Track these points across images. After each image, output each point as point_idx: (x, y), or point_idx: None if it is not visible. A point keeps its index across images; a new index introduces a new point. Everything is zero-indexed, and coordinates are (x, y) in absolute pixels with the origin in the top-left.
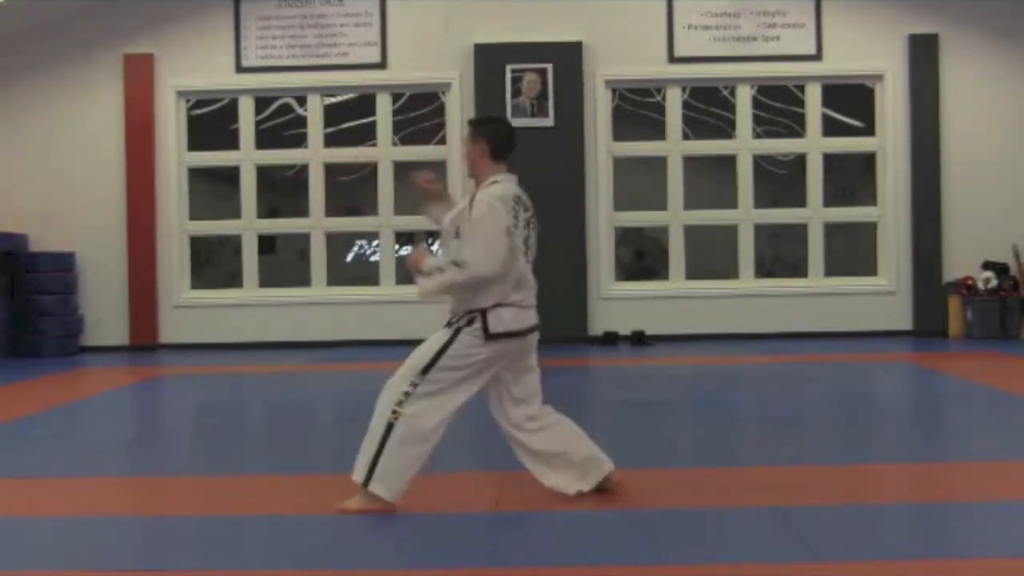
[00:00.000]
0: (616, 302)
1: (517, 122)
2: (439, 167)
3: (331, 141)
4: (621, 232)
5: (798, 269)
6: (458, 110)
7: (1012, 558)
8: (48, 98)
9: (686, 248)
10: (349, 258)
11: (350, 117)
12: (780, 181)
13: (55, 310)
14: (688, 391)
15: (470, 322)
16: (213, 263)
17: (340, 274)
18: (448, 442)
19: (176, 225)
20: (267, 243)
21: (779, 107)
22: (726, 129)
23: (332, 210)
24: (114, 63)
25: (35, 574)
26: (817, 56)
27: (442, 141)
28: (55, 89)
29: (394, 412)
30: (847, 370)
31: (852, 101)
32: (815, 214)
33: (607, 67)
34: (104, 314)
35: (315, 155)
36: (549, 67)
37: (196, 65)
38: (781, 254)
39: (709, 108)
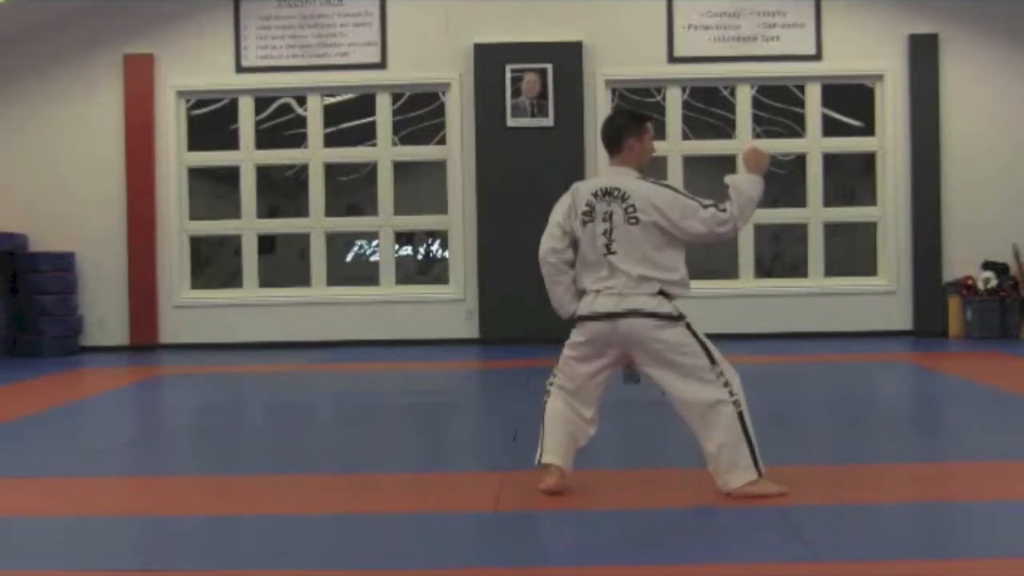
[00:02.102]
0: None
1: (517, 122)
2: (439, 167)
3: (331, 141)
4: None
5: (798, 269)
6: (458, 110)
7: (1012, 558)
8: (48, 98)
9: (686, 248)
10: (349, 258)
11: (350, 117)
12: (780, 181)
13: (55, 310)
14: None
15: None
16: (213, 263)
17: (340, 274)
18: (448, 442)
19: (176, 225)
20: (267, 243)
21: (779, 107)
22: (726, 129)
23: (332, 210)
24: (114, 63)
25: (35, 574)
26: (817, 56)
27: (442, 141)
28: (55, 89)
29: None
30: (847, 370)
31: (852, 101)
32: (815, 214)
33: (607, 67)
34: (104, 314)
35: (315, 155)
36: (549, 67)
37: (196, 65)
38: (781, 254)
39: (709, 108)
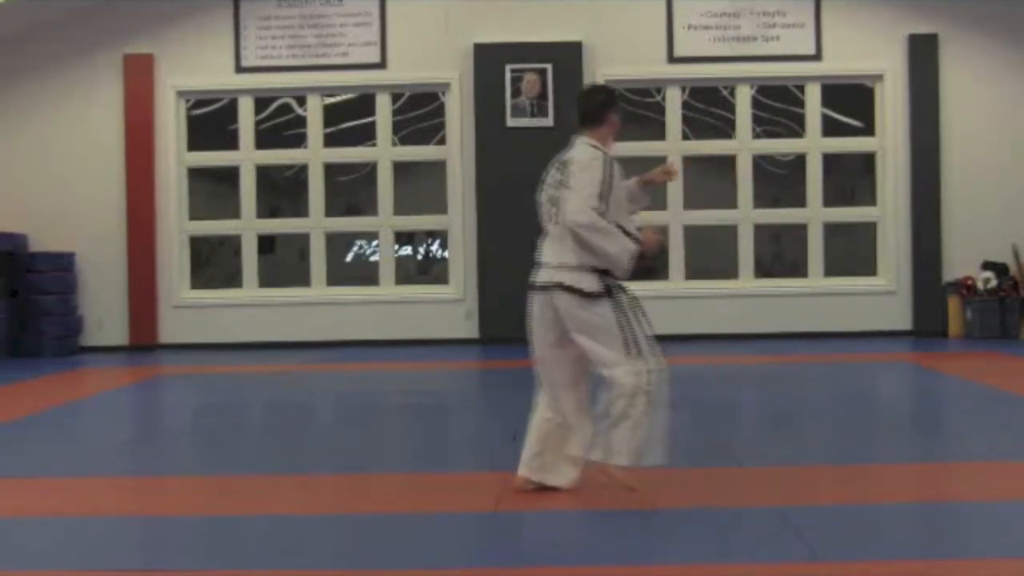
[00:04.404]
0: None
1: (517, 122)
2: (439, 167)
3: (331, 141)
4: None
5: (798, 269)
6: (458, 110)
7: (1012, 558)
8: (48, 98)
9: (686, 248)
10: (349, 258)
11: (350, 117)
12: (780, 181)
13: (55, 310)
14: (688, 391)
15: None
16: (213, 263)
17: (340, 274)
18: (448, 442)
19: (176, 225)
20: (267, 243)
21: (779, 107)
22: (726, 129)
23: (332, 210)
24: (114, 63)
25: (35, 574)
26: (817, 56)
27: (442, 141)
28: (55, 89)
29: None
30: (847, 370)
31: (852, 101)
32: (815, 214)
33: (607, 67)
34: (104, 314)
35: (315, 155)
36: (549, 67)
37: (196, 65)
38: (781, 254)
39: (709, 108)
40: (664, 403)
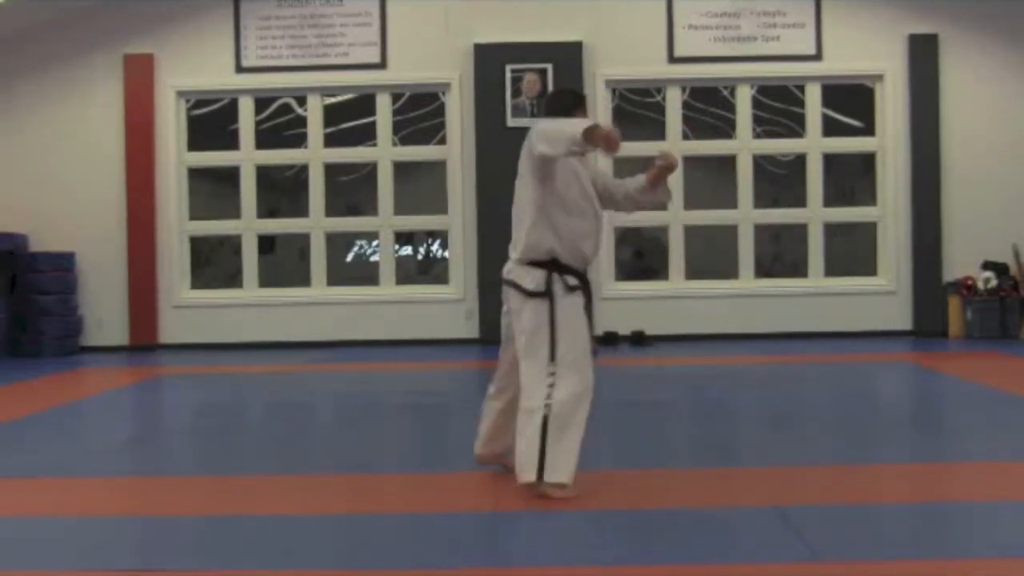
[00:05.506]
0: (616, 302)
1: (517, 122)
2: (439, 167)
3: (331, 141)
4: (621, 232)
5: (798, 269)
6: (458, 110)
7: (1012, 558)
8: (48, 98)
9: (686, 248)
10: (349, 258)
11: (350, 117)
12: (780, 181)
13: (55, 310)
14: (688, 391)
15: None
16: (213, 263)
17: (340, 274)
18: (448, 442)
19: (176, 225)
20: (267, 243)
21: (779, 107)
22: (726, 129)
23: (332, 210)
24: (114, 63)
25: (35, 574)
26: (817, 56)
27: (442, 141)
28: (55, 89)
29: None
30: (847, 370)
31: (852, 101)
32: (815, 214)
33: (607, 67)
34: (104, 314)
35: (315, 155)
36: (549, 67)
37: (196, 65)
38: (781, 254)
39: (709, 108)
40: (577, 424)
